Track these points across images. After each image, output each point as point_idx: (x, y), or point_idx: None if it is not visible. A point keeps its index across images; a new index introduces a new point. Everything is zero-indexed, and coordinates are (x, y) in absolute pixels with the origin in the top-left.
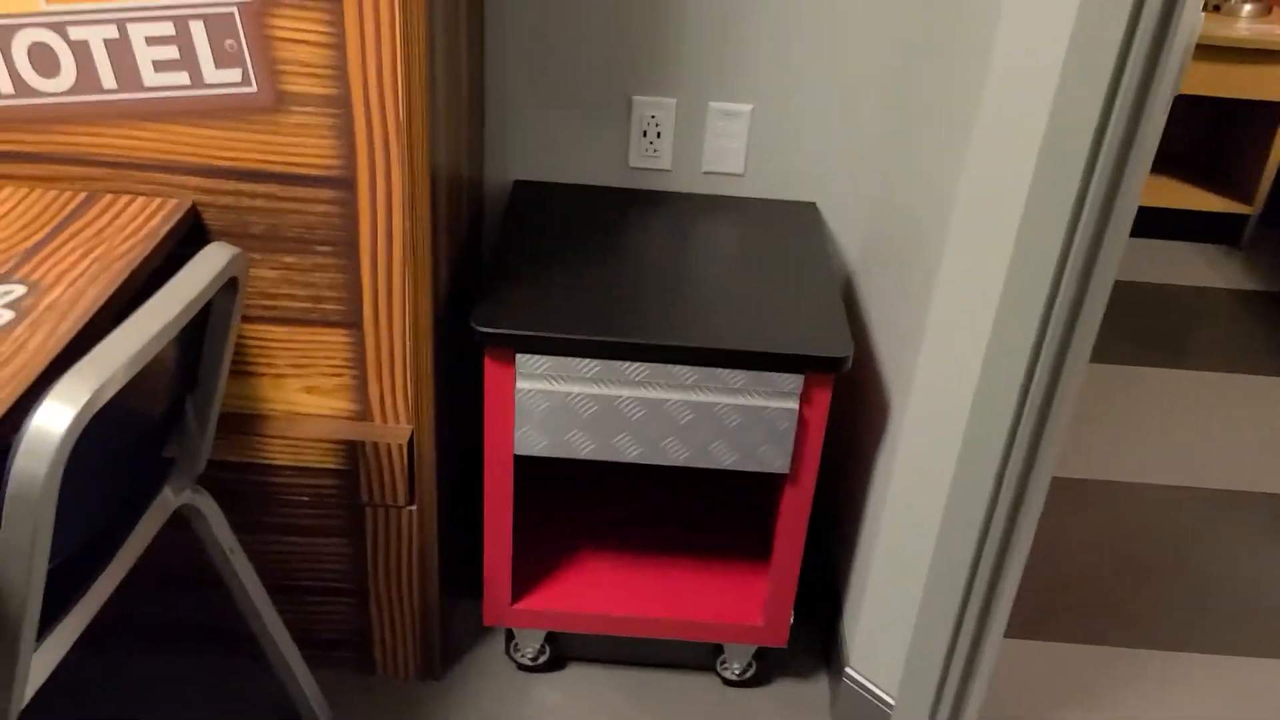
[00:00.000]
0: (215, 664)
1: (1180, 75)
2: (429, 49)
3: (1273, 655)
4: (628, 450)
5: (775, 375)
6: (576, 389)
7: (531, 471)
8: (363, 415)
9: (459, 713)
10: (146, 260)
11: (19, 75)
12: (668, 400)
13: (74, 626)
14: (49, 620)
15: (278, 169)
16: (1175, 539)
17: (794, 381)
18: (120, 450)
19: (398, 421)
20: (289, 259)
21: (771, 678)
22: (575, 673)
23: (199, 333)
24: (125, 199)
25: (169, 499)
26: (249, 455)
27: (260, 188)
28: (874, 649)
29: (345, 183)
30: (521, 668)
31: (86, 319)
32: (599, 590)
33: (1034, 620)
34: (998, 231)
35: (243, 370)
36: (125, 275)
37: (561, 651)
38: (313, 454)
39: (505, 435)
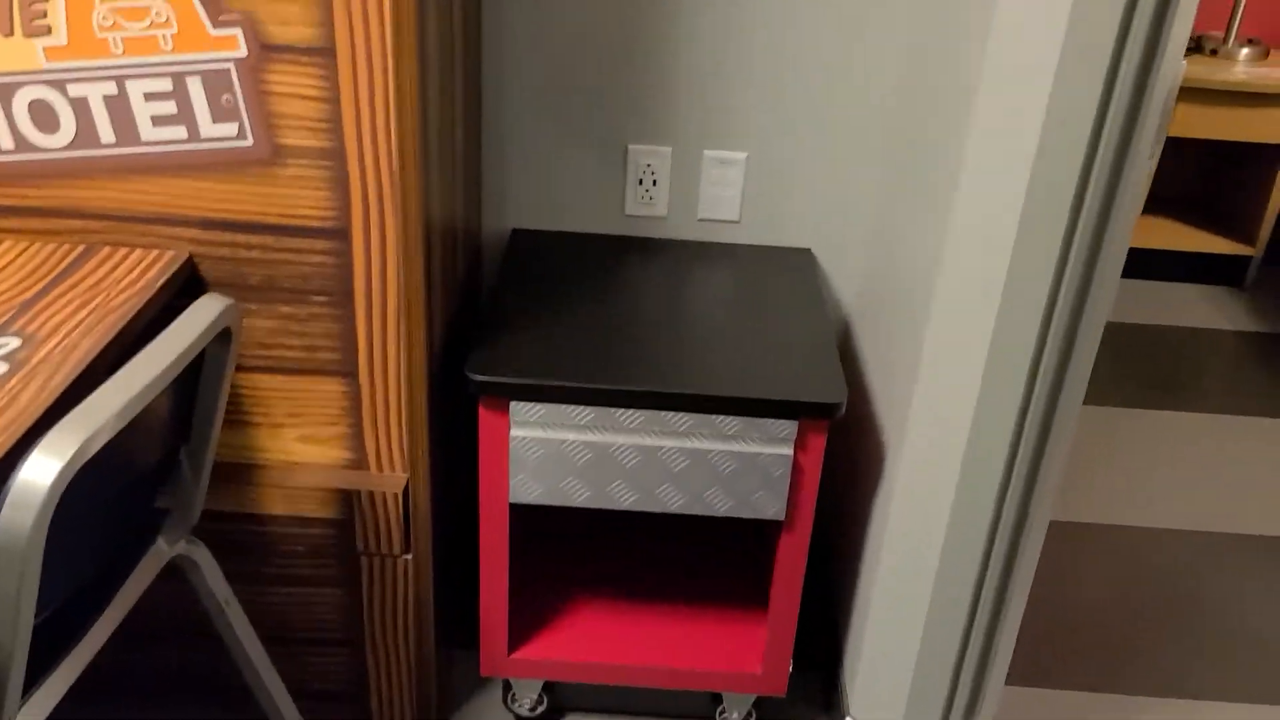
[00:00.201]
0: (209, 716)
1: (1164, 121)
2: (423, 102)
3: None
4: (622, 498)
5: (769, 421)
6: (571, 436)
7: (528, 519)
8: (358, 464)
9: None
10: (141, 312)
11: (19, 132)
12: (662, 447)
13: (64, 679)
14: (37, 673)
15: (274, 221)
16: (1181, 583)
17: (788, 428)
18: (112, 501)
19: (393, 470)
20: (285, 309)
21: None
22: None
23: (193, 384)
24: (123, 251)
25: (163, 550)
26: (244, 505)
27: (256, 239)
28: (874, 696)
29: (340, 234)
30: (520, 718)
31: (79, 371)
32: (596, 639)
33: (1036, 667)
34: (987, 278)
35: (238, 420)
36: (119, 327)
37: (559, 701)
38: (308, 503)
39: (500, 484)
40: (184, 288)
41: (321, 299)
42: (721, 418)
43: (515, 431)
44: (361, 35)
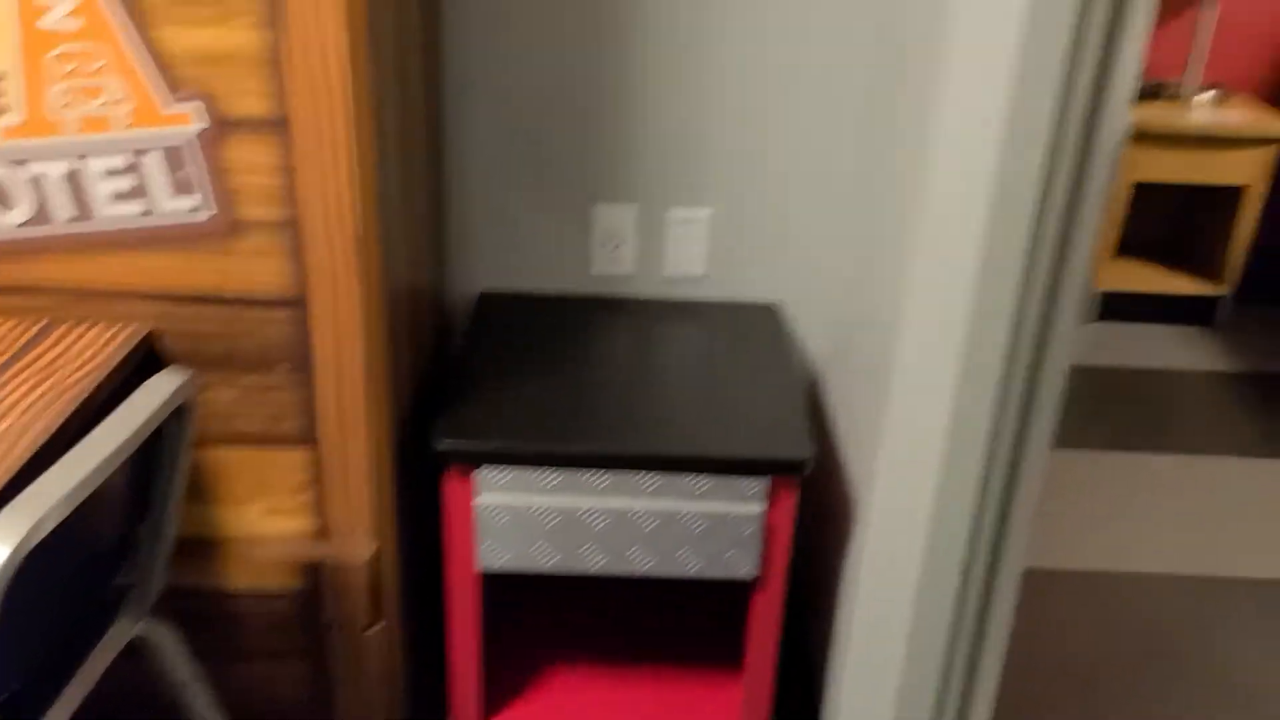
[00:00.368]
0: None
1: (1114, 165)
2: (382, 169)
3: None
4: (592, 562)
5: (739, 480)
6: (538, 501)
7: (499, 583)
8: (324, 534)
9: None
10: (99, 388)
11: None
12: (631, 509)
13: None
14: None
15: (233, 292)
16: (1162, 630)
17: (758, 485)
18: (68, 581)
19: (360, 539)
20: (246, 380)
21: None
22: None
23: (150, 460)
24: (82, 327)
25: (123, 630)
26: (208, 580)
27: (217, 311)
28: None
29: (301, 303)
30: None
31: (33, 450)
32: (571, 707)
33: (1017, 718)
34: (947, 326)
35: (200, 493)
36: (75, 405)
37: None
38: (274, 576)
39: (467, 551)
40: (144, 362)
41: (282, 369)
42: (691, 477)
43: (481, 498)
44: (318, 106)
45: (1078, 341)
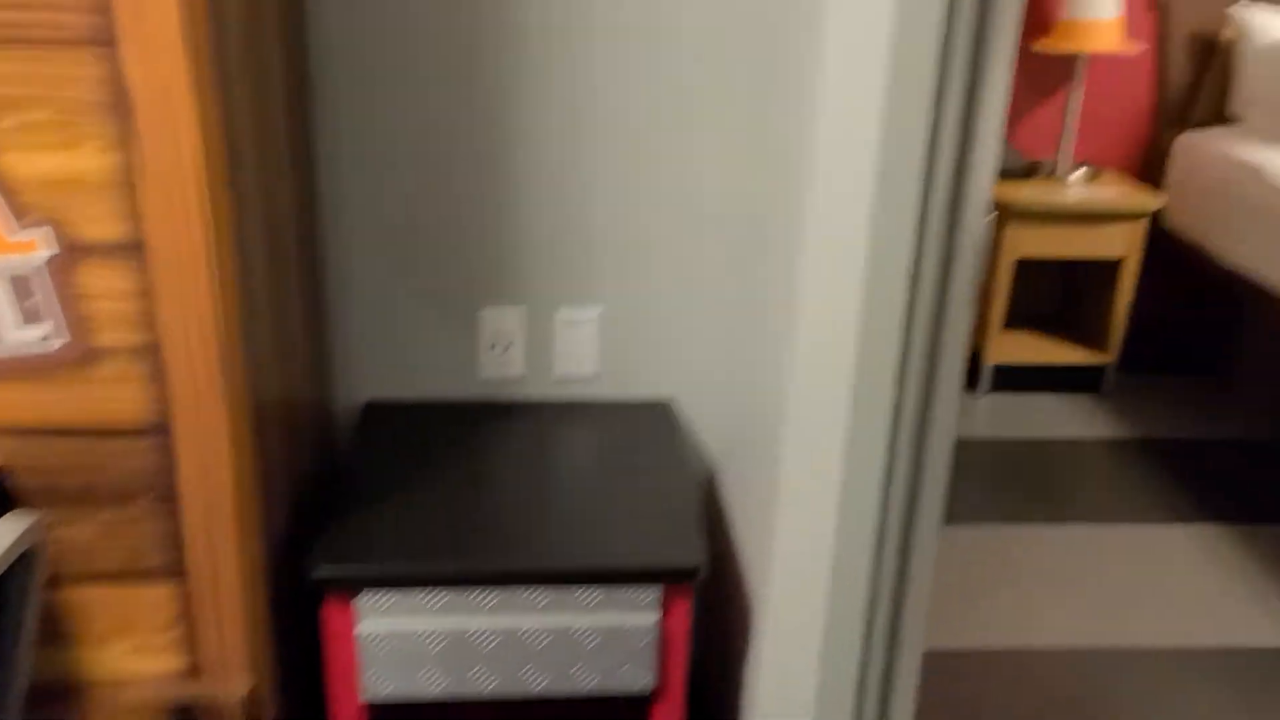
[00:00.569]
0: None
1: (981, 243)
2: (248, 286)
3: None
4: (483, 685)
5: (631, 590)
6: (423, 625)
7: (387, 714)
8: (195, 672)
9: None
10: None
11: None
12: (521, 627)
13: None
14: None
15: (90, 423)
16: (1068, 705)
17: (651, 595)
18: None
19: (234, 676)
20: (106, 514)
21: None
22: None
23: None
24: None
25: None
26: None
27: (72, 444)
28: None
29: (164, 430)
30: None
31: None
32: None
33: None
34: (831, 414)
35: (59, 635)
36: None
37: None
38: None
39: (350, 683)
40: None
41: (147, 501)
42: (581, 590)
43: (363, 625)
44: (175, 228)
45: (973, 414)
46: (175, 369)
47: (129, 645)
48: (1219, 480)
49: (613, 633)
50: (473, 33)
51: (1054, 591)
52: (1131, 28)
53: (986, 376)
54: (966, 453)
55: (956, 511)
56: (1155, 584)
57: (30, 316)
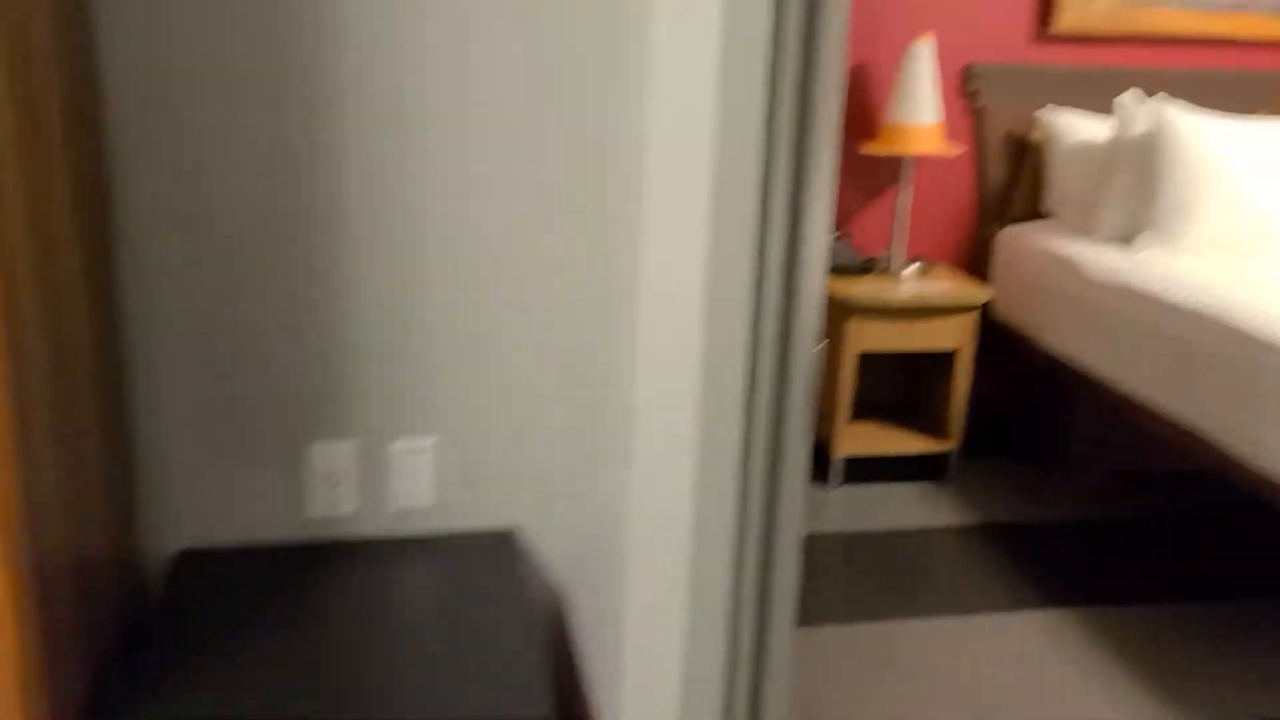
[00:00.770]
0: None
1: (814, 339)
2: (26, 426)
3: None
4: None
5: None
6: None
7: None
8: None
9: None
10: None
11: None
12: None
13: None
14: None
15: None
16: None
17: None
18: None
19: None
20: None
21: None
22: None
23: None
24: None
25: None
26: None
27: None
28: None
29: None
30: None
31: None
32: None
33: None
34: (673, 507)
35: None
36: None
37: None
38: None
39: None
40: None
41: None
42: None
43: None
44: None
45: (827, 508)
46: None
47: None
48: (1057, 564)
49: None
50: (298, 144)
51: (913, 688)
52: (951, 131)
53: (837, 469)
54: (822, 548)
55: (815, 610)
56: (1009, 674)
57: None
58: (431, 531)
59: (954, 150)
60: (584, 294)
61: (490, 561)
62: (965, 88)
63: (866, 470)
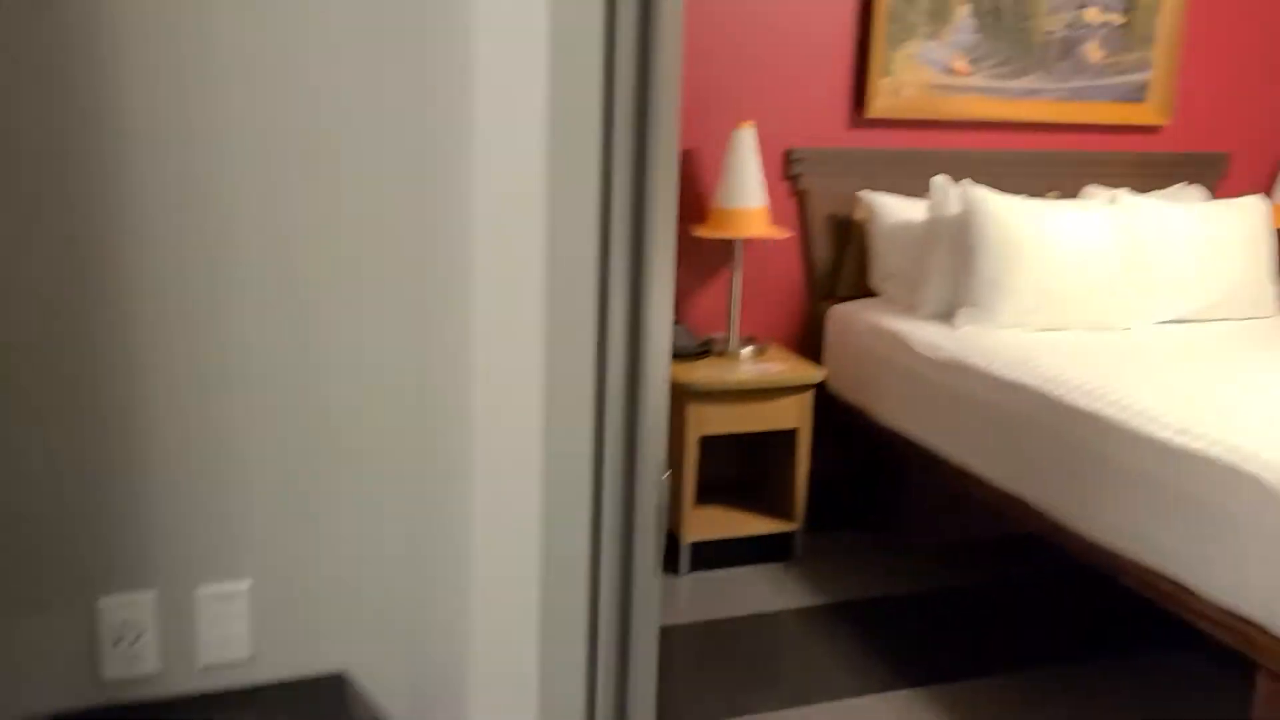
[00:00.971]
0: None
1: (660, 429)
2: None
3: None
4: None
5: None
6: None
7: None
8: None
9: None
10: None
11: None
12: None
13: None
14: None
15: None
16: None
17: None
18: None
19: None
20: None
21: None
22: None
23: None
24: None
25: None
26: None
27: None
28: None
29: None
30: None
31: None
32: None
33: None
34: (520, 648)
35: None
36: None
37: None
38: None
39: None
40: None
41: None
42: None
43: None
44: None
45: (677, 597)
46: None
47: None
48: (906, 640)
49: None
50: (90, 273)
51: None
52: (777, 212)
53: (685, 556)
54: (675, 641)
55: (672, 711)
56: None
57: None
58: (251, 683)
59: (781, 233)
60: (412, 416)
61: (319, 711)
62: (788, 171)
63: (714, 554)
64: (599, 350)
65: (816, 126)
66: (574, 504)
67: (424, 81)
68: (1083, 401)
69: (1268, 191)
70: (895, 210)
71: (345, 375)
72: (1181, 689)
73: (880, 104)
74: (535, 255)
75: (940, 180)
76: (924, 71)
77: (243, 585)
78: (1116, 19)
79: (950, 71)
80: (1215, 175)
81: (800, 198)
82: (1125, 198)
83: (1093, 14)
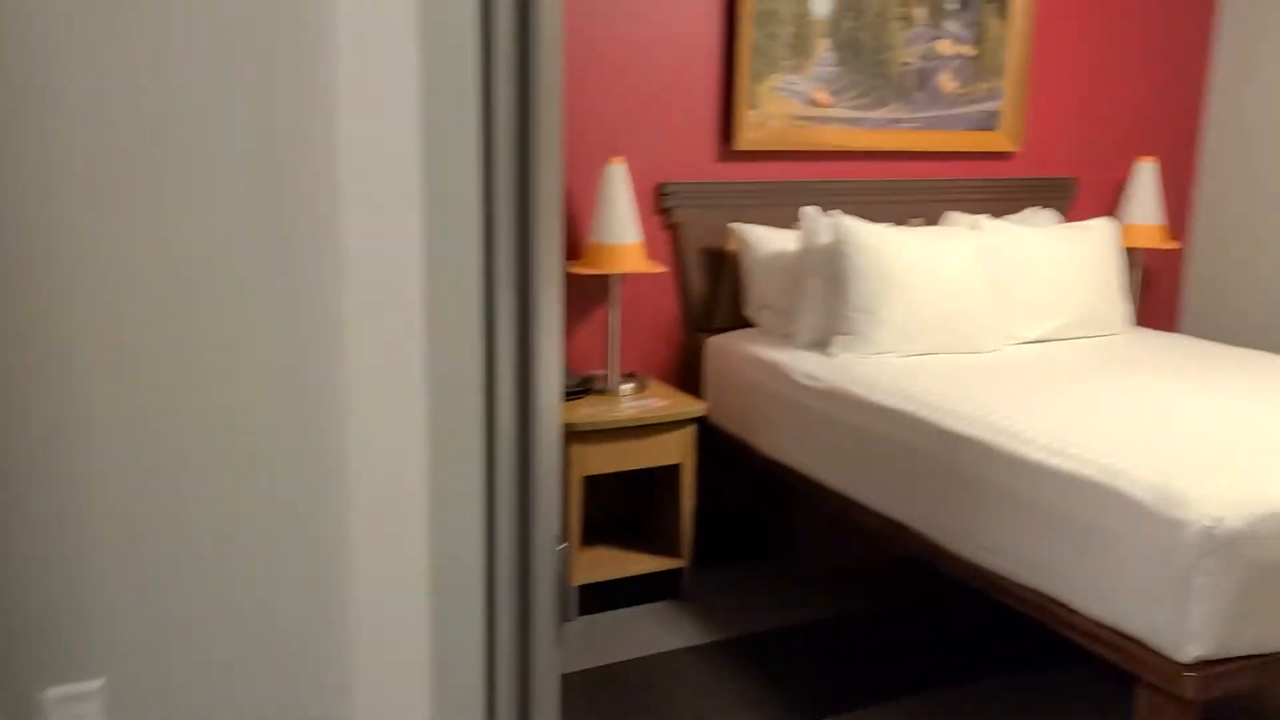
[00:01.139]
0: None
1: (555, 470)
2: None
3: None
4: None
5: None
6: None
7: None
8: None
9: None
10: None
11: None
12: None
13: None
14: None
15: None
16: None
17: None
18: None
19: None
20: None
21: None
22: None
23: None
24: None
25: None
26: None
27: None
28: None
29: None
30: None
31: None
32: None
33: None
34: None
35: None
36: None
37: None
38: None
39: None
40: None
41: None
42: None
43: None
44: None
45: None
46: None
47: None
48: (798, 672)
49: None
50: None
51: None
52: (651, 246)
53: (573, 599)
54: (568, 689)
55: None
56: None
57: None
58: None
59: (656, 268)
60: (286, 496)
61: None
62: (660, 204)
63: (602, 595)
64: (487, 418)
65: (687, 160)
66: (466, 598)
67: (279, 122)
68: (958, 426)
69: (1114, 213)
70: (767, 241)
71: (218, 457)
72: (1069, 704)
73: (747, 136)
74: (415, 321)
75: (810, 210)
76: (788, 104)
77: (94, 685)
78: (968, 50)
79: (813, 103)
80: (1065, 199)
81: (674, 231)
82: (986, 223)
83: (945, 46)
